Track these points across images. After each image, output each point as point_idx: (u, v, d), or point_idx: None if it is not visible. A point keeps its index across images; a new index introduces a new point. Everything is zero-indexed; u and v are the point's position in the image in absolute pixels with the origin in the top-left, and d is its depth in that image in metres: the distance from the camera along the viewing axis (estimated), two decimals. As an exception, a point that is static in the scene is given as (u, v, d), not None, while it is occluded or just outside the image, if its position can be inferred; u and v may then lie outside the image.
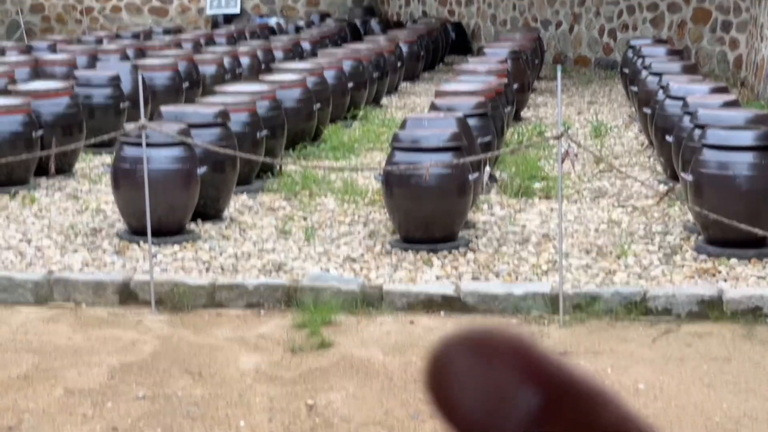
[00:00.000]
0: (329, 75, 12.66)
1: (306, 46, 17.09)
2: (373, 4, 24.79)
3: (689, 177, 7.60)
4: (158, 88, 12.67)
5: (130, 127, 8.13)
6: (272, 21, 21.90)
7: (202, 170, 8.15)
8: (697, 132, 8.04)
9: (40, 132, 9.93)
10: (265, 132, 9.63)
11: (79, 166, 10.76)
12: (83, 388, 5.70)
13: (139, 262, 7.58)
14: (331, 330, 6.50)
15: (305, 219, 8.69)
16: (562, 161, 6.83)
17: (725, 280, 7.07)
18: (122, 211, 8.17)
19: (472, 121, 8.75)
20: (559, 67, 6.90)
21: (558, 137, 6.67)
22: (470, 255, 7.64)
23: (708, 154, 7.57)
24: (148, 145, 7.42)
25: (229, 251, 7.81)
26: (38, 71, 12.95)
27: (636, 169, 10.55)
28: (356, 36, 20.20)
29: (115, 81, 11.66)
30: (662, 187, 9.44)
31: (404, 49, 17.24)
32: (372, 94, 14.61)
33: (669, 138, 9.14)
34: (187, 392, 5.65)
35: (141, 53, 15.08)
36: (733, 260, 7.39)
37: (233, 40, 17.80)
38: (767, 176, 7.44)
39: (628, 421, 0.54)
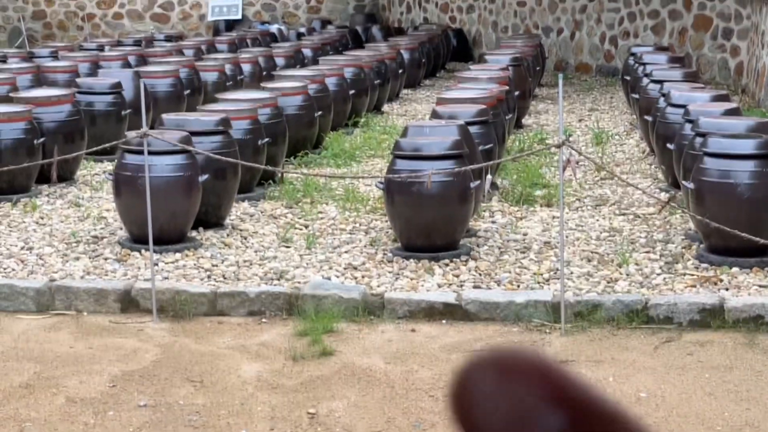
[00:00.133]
0: (330, 82, 12.67)
1: (307, 53, 17.11)
2: (374, 10, 24.81)
3: (690, 185, 7.60)
4: (160, 96, 12.68)
5: (131, 134, 8.14)
6: (274, 28, 21.92)
7: (203, 178, 8.15)
8: (699, 140, 8.04)
9: (41, 139, 9.94)
10: (266, 139, 9.64)
11: (80, 173, 10.76)
12: (85, 397, 5.70)
13: (141, 269, 7.58)
14: (333, 338, 6.50)
15: (306, 227, 8.69)
16: (564, 170, 6.83)
17: (727, 289, 7.07)
18: (124, 218, 8.18)
19: (473, 129, 8.75)
20: (560, 75, 6.90)
21: (559, 146, 6.67)
22: (471, 263, 7.64)
23: (709, 162, 7.57)
24: (149, 152, 7.42)
25: (230, 259, 7.81)
26: (40, 78, 12.96)
27: (637, 176, 10.55)
28: (357, 43, 20.22)
29: (116, 88, 11.67)
30: (664, 195, 9.44)
31: (405, 56, 17.25)
32: (373, 101, 14.62)
33: (670, 146, 9.14)
34: (188, 401, 5.65)
35: (142, 60, 15.09)
36: (735, 269, 7.39)
37: (235, 47, 17.82)
38: (769, 184, 7.44)
39: None
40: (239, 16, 24.12)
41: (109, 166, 10.83)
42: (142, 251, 7.86)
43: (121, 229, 8.42)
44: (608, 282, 7.24)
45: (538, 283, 7.27)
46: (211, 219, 8.58)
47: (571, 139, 12.41)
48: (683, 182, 7.92)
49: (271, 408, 5.56)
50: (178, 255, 7.88)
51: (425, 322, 6.79)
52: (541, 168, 10.52)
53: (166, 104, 12.39)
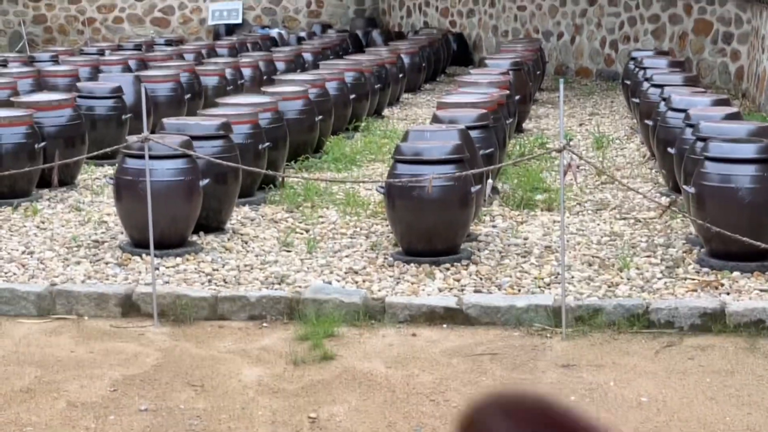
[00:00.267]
0: (331, 86, 12.67)
1: (308, 57, 17.12)
2: (374, 15, 24.82)
3: (691, 189, 7.60)
4: (160, 100, 12.69)
5: (132, 139, 8.14)
6: (274, 32, 21.92)
7: (204, 182, 8.16)
8: (699, 144, 8.04)
9: (42, 144, 9.94)
10: (267, 144, 9.64)
11: (81, 177, 10.77)
12: (86, 401, 5.70)
13: (142, 274, 7.58)
14: (334, 342, 6.50)
15: (307, 231, 8.69)
16: (564, 174, 6.83)
17: (728, 293, 7.07)
18: (124, 223, 8.18)
19: (474, 133, 8.75)
20: (561, 80, 6.90)
21: (560, 150, 6.67)
22: (472, 267, 7.64)
23: (710, 167, 7.57)
24: (150, 157, 7.43)
25: (231, 263, 7.81)
26: (40, 83, 12.97)
27: (638, 181, 10.55)
28: (358, 47, 20.23)
29: (117, 92, 11.68)
30: (664, 200, 9.44)
31: (406, 60, 17.26)
32: (374, 106, 14.62)
33: (671, 150, 9.14)
34: (189, 405, 5.65)
35: (143, 65, 15.10)
36: (736, 273, 7.39)
37: (235, 51, 17.83)
38: (769, 189, 7.44)
39: None
40: (239, 21, 24.13)
41: (109, 170, 10.83)
42: (143, 255, 7.86)
43: (122, 233, 8.42)
44: (609, 286, 7.24)
45: (539, 287, 7.27)
46: (212, 223, 8.58)
47: (571, 143, 12.41)
48: (684, 186, 7.93)
49: (272, 412, 5.56)
50: (178, 259, 7.88)
51: (426, 326, 6.79)
52: (542, 172, 10.52)
53: (167, 108, 12.40)
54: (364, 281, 7.41)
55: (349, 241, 8.38)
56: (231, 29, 23.74)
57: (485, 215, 8.99)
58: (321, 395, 5.76)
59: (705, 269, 7.51)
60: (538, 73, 16.67)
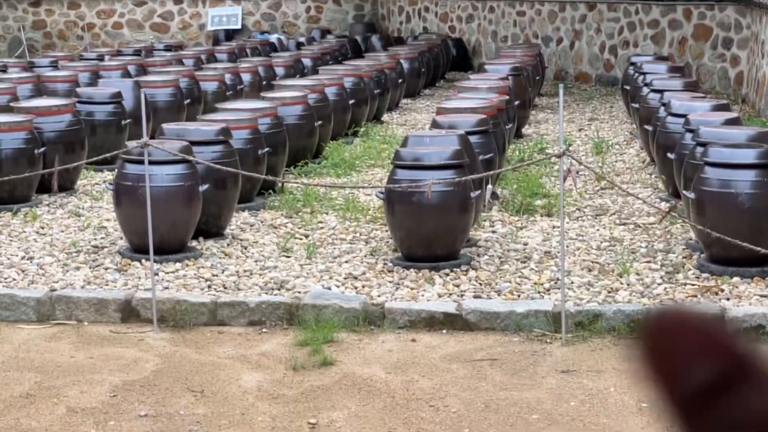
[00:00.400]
0: (330, 92, 12.67)
1: (307, 62, 17.12)
2: (374, 20, 24.84)
3: (691, 195, 7.60)
4: (160, 105, 12.69)
5: (132, 144, 8.14)
6: (273, 37, 21.94)
7: (203, 188, 8.16)
8: (699, 149, 8.04)
9: (42, 149, 9.94)
10: (266, 149, 9.64)
11: (81, 183, 10.77)
12: (86, 407, 5.70)
13: (141, 279, 7.58)
14: (333, 348, 6.50)
15: (307, 236, 8.69)
16: (564, 179, 6.83)
17: (728, 299, 7.07)
18: (124, 228, 8.18)
19: (473, 139, 8.75)
20: (560, 86, 6.90)
21: (559, 155, 6.67)
22: (472, 273, 7.64)
23: (710, 172, 7.57)
24: (150, 162, 7.43)
25: (230, 269, 7.81)
26: (40, 88, 12.97)
27: (638, 186, 10.55)
28: (357, 52, 20.24)
29: (116, 98, 11.68)
30: (664, 205, 9.44)
31: (405, 65, 17.26)
32: (373, 111, 14.63)
33: (671, 155, 9.14)
34: (189, 410, 5.65)
35: (142, 70, 15.10)
36: (736, 278, 7.39)
37: (234, 56, 17.83)
38: (769, 194, 7.44)
39: None
40: (239, 26, 24.14)
41: (109, 175, 10.83)
42: (143, 261, 7.86)
43: (122, 238, 8.42)
44: (609, 292, 7.24)
45: (539, 292, 7.27)
46: (212, 229, 8.58)
47: (571, 148, 12.41)
48: (684, 192, 7.92)
49: (272, 418, 5.55)
50: (178, 265, 7.88)
51: (426, 331, 6.79)
52: (542, 178, 10.52)
53: (166, 114, 12.40)
54: (363, 287, 7.41)
55: (349, 246, 8.37)
56: (230, 35, 23.74)
57: (485, 221, 8.99)
58: (321, 401, 5.76)
59: (705, 275, 7.51)
60: (538, 78, 16.67)
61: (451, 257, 7.78)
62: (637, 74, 13.84)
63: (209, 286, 7.45)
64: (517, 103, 12.31)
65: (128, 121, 11.61)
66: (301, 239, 8.61)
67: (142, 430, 5.43)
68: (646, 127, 10.97)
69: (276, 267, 7.85)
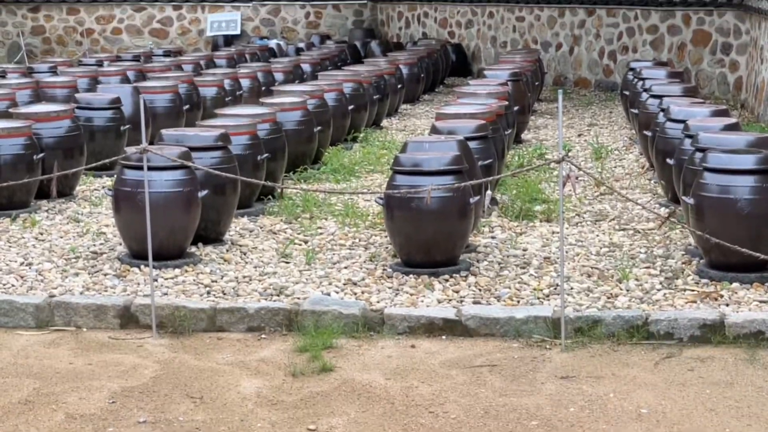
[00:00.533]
0: (330, 97, 12.67)
1: (306, 68, 17.13)
2: (373, 26, 24.85)
3: (690, 200, 7.60)
4: (159, 111, 12.70)
5: (131, 150, 8.14)
6: (272, 43, 21.93)
7: (203, 193, 8.15)
8: (698, 155, 8.04)
9: (41, 155, 9.94)
10: (265, 155, 9.63)
11: (80, 189, 10.77)
12: (84, 413, 5.69)
13: (140, 285, 7.57)
14: (333, 354, 6.49)
15: (306, 242, 8.69)
16: (563, 185, 6.82)
17: (727, 305, 7.07)
18: (123, 234, 8.17)
19: (473, 144, 8.75)
20: (560, 91, 6.90)
21: (559, 161, 6.66)
22: (471, 278, 7.64)
23: (709, 178, 7.57)
24: (149, 168, 7.42)
25: (230, 275, 7.81)
26: (39, 94, 12.96)
27: (637, 191, 10.55)
28: (356, 58, 20.24)
29: (115, 104, 11.67)
30: (663, 211, 9.45)
31: (404, 71, 17.26)
32: (372, 117, 14.63)
33: (670, 161, 9.14)
34: (188, 417, 5.64)
35: (141, 76, 15.10)
36: (735, 284, 7.39)
37: (233, 62, 17.84)
38: (769, 200, 7.43)
39: None
40: (238, 32, 24.14)
41: (108, 181, 10.83)
42: (142, 267, 7.86)
43: (121, 244, 8.41)
44: (608, 297, 7.24)
45: (538, 298, 7.26)
46: (211, 234, 8.58)
47: (570, 154, 12.42)
48: (683, 197, 7.92)
49: (271, 424, 5.55)
50: (177, 271, 7.88)
51: (425, 337, 6.78)
52: (541, 183, 10.51)
53: (165, 119, 12.40)
54: (363, 292, 7.41)
55: (348, 252, 8.37)
56: (229, 40, 23.74)
57: (484, 226, 8.99)
58: (320, 407, 5.75)
59: (704, 280, 7.51)
60: (537, 83, 16.67)
61: (450, 263, 7.78)
62: (636, 80, 13.84)
63: (208, 292, 7.45)
64: (516, 108, 12.31)
65: (127, 126, 11.61)
66: (300, 245, 8.61)
67: (141, 436, 5.42)
68: (645, 132, 10.96)
69: (275, 273, 7.85)
